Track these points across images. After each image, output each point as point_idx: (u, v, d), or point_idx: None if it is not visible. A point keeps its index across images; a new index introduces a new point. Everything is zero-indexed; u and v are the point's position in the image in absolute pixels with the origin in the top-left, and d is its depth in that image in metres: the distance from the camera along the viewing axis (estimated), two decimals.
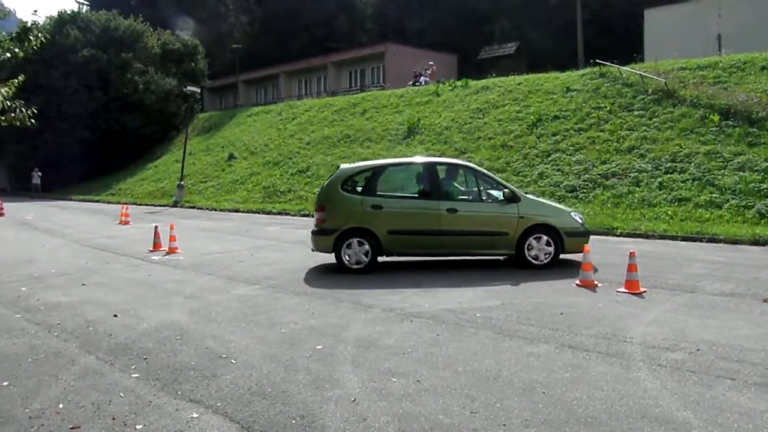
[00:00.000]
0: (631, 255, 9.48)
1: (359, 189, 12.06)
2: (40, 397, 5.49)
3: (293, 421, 4.93)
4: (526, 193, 12.88)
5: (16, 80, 10.94)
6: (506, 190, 11.75)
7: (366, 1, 70.04)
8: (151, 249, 14.71)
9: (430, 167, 12.25)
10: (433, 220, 11.61)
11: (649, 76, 24.01)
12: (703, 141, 19.50)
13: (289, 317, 8.23)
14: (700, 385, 5.51)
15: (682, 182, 18.24)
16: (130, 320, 8.16)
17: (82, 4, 68.65)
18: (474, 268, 11.65)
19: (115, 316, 8.38)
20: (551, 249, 11.55)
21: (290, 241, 16.21)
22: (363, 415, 5.03)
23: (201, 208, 29.24)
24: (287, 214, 24.87)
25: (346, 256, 11.62)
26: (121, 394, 5.51)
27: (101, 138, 44.56)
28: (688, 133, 20.16)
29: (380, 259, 11.89)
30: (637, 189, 18.81)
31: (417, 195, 12.09)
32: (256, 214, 25.64)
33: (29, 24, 10.80)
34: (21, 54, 10.81)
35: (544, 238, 11.52)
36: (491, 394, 5.40)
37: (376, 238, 11.60)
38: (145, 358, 6.52)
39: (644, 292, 9.23)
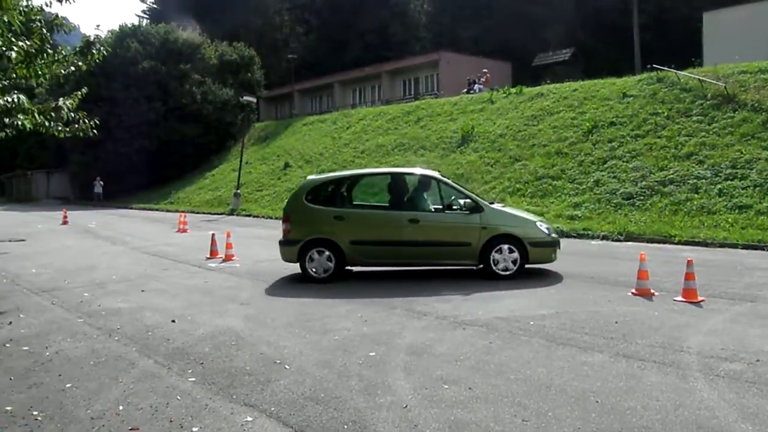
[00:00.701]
0: (689, 263, 9.30)
1: (323, 200, 12.20)
2: (101, 399, 5.66)
3: (345, 427, 4.99)
4: (492, 203, 12.53)
5: (80, 92, 11.27)
6: (467, 201, 11.66)
7: (420, 10, 70.13)
8: (208, 256, 14.99)
9: (396, 178, 12.39)
10: (395, 230, 11.68)
11: (708, 80, 23.49)
12: (765, 146, 18.99)
13: (343, 324, 8.31)
14: (759, 397, 5.39)
15: (742, 189, 17.79)
16: (188, 326, 8.34)
17: (143, 17, 70.44)
18: (525, 278, 11.56)
19: (173, 321, 8.58)
20: (516, 257, 11.40)
21: None
22: (414, 421, 5.06)
23: (257, 216, 29.62)
24: None
25: (312, 268, 11.73)
26: (178, 398, 5.65)
27: (160, 148, 45.57)
28: (749, 139, 19.65)
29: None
30: (696, 196, 18.41)
31: (380, 206, 12.35)
32: None
33: (92, 38, 11.15)
34: (84, 67, 11.13)
35: (507, 247, 11.40)
36: (543, 403, 5.38)
37: (339, 249, 11.68)
38: (202, 363, 6.66)
39: (702, 301, 9.03)
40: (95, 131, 11.33)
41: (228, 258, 14.50)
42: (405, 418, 5.12)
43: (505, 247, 11.39)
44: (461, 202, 11.78)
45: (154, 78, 45.49)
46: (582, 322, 8.09)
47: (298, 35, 68.31)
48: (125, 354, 7.09)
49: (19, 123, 9.50)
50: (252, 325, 8.37)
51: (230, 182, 39.01)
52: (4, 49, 8.70)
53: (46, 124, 10.31)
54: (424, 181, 12.33)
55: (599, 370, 6.16)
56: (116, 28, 50.02)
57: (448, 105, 34.41)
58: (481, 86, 39.82)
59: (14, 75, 10.03)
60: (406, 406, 5.36)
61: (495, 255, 11.42)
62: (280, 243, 12.19)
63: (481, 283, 11.05)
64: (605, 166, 22.09)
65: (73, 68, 10.89)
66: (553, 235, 11.97)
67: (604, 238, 16.90)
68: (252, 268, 13.44)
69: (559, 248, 11.91)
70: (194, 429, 4.98)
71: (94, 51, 10.86)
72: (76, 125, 11.20)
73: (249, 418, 5.18)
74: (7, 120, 9.46)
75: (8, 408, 5.47)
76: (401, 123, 35.12)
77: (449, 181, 12.34)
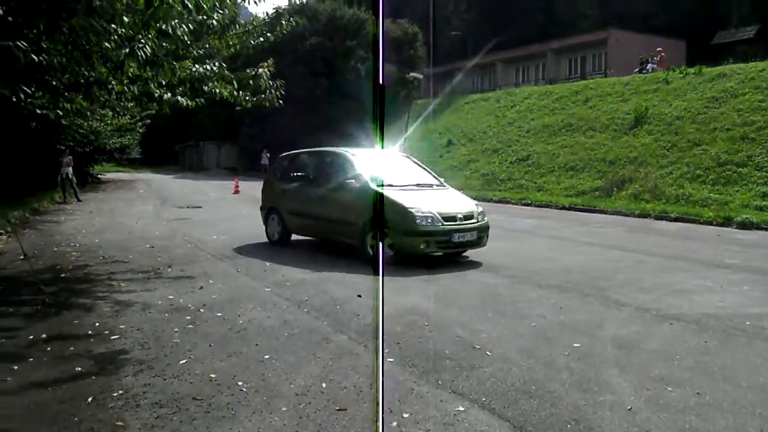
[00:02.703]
0: None
1: (279, 174, 14.03)
2: (302, 373, 5.48)
3: (568, 426, 4.52)
4: (392, 186, 11.54)
5: (269, 63, 11.27)
6: (353, 180, 11.65)
7: None
8: None
9: (320, 155, 13.55)
10: (309, 205, 12.56)
11: None
12: None
13: (537, 310, 7.80)
14: None
15: None
16: (374, 301, 8.12)
17: None
18: (726, 270, 10.58)
19: (359, 296, 8.39)
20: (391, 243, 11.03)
21: (519, 230, 15.76)
22: (644, 426, 4.51)
23: None
24: (507, 202, 24.44)
25: (268, 230, 13.73)
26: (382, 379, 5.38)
27: (324, 123, 46.38)
28: None
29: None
30: None
31: (307, 182, 13.03)
32: (476, 201, 25.36)
33: (280, 9, 11.12)
34: (272, 38, 11.16)
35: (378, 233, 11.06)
36: None
37: (282, 217, 13.21)
38: (397, 343, 6.37)
39: None
40: (281, 101, 11.36)
41: None
42: (633, 423, 4.57)
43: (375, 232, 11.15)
44: (352, 181, 11.73)
45: (320, 54, 46.31)
46: None
47: (460, 12, 67.63)
48: (317, 327, 6.93)
49: (217, 91, 9.60)
50: (439, 305, 8.03)
51: None
52: (205, 17, 8.75)
53: (234, 93, 10.41)
54: (334, 159, 12.84)
55: None
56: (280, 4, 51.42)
57: (619, 85, 32.70)
58: (655, 65, 37.77)
59: (207, 45, 10.15)
60: (630, 408, 4.82)
61: (368, 238, 11.19)
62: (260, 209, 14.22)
63: (677, 271, 10.22)
64: None
65: (261, 39, 10.92)
66: (442, 225, 10.85)
67: None
68: None
69: (441, 241, 10.93)
70: (405, 415, 4.66)
71: (283, 21, 10.85)
72: (263, 95, 11.26)
73: (460, 408, 4.81)
74: (205, 88, 9.59)
75: (212, 375, 5.39)
76: (568, 103, 33.80)
77: (352, 159, 12.18)
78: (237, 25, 10.18)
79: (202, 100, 11.76)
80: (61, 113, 15.33)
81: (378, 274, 9.98)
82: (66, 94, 11.20)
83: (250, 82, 10.10)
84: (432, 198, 11.57)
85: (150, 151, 73.40)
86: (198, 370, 5.50)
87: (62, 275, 9.90)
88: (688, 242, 14.09)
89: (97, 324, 6.99)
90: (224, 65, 9.93)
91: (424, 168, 12.98)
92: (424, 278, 9.74)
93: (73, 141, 27.10)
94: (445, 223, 10.95)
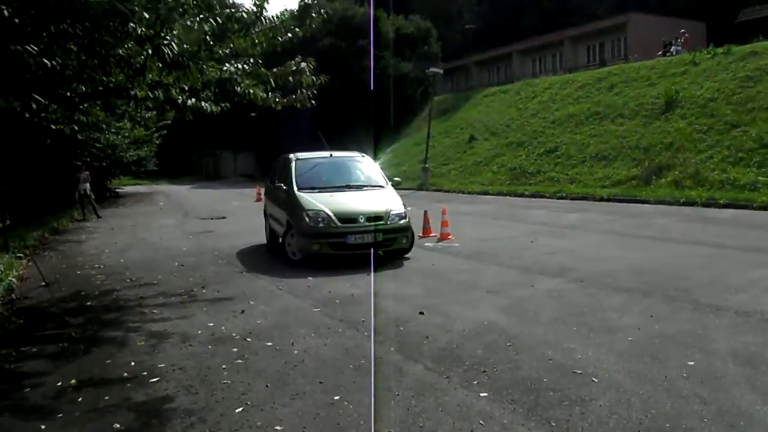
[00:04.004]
0: None
1: (269, 180, 14.55)
2: (383, 419, 4.55)
3: None
4: (314, 188, 11.97)
5: (310, 59, 10.25)
6: (282, 185, 12.48)
7: None
8: (421, 235, 13.93)
9: (280, 160, 14.06)
10: (270, 208, 13.75)
11: None
12: None
13: (625, 320, 6.86)
14: None
15: None
16: (440, 319, 7.20)
17: None
18: None
19: (421, 313, 7.45)
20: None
21: (566, 227, 14.78)
22: None
23: (447, 191, 28.57)
24: (542, 196, 23.44)
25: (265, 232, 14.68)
26: (482, 422, 4.44)
27: (341, 123, 45.49)
28: None
29: None
30: None
31: (272, 186, 13.78)
32: (508, 197, 24.49)
33: (309, 1, 10.22)
34: (301, 34, 10.24)
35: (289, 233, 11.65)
36: None
37: (266, 221, 14.41)
38: (484, 371, 5.45)
39: None
40: (313, 102, 10.48)
41: (444, 237, 13.38)
42: None
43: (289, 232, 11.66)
44: (282, 184, 12.54)
45: (334, 54, 45.42)
46: None
47: (471, 5, 66.55)
48: (386, 356, 6.00)
49: (250, 92, 8.73)
50: (514, 319, 7.09)
51: (413, 156, 38.29)
52: (233, 10, 7.86)
53: (261, 95, 9.51)
54: (283, 163, 13.40)
55: None
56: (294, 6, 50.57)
57: (644, 69, 31.54)
58: (680, 48, 36.60)
59: (231, 45, 9.27)
60: None
61: (288, 240, 11.70)
62: None
63: (760, 266, 9.26)
64: None
65: (290, 35, 10.00)
66: (335, 226, 10.90)
67: None
68: (475, 248, 12.23)
69: (334, 243, 10.87)
70: None
71: (313, 14, 9.93)
72: (293, 95, 10.38)
73: None
74: (238, 89, 8.71)
75: (278, 428, 4.49)
76: (592, 90, 32.72)
77: (291, 163, 12.72)
78: (263, 21, 9.29)
79: (228, 104, 10.92)
80: (77, 128, 14.60)
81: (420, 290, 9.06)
82: (82, 106, 10.39)
83: (290, 79, 9.17)
84: (346, 199, 11.64)
85: (166, 162, 72.78)
86: (259, 421, 4.60)
87: (88, 303, 9.05)
88: (754, 231, 13.07)
89: (133, 363, 6.11)
90: (260, 62, 9.06)
91: (376, 170, 13.26)
92: (487, 287, 8.79)
93: (89, 156, 26.39)
94: (341, 224, 10.93)
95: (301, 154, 13.31)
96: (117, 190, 43.87)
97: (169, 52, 6.41)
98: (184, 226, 19.58)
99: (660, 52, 37.05)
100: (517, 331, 6.58)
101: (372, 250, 10.81)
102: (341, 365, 5.77)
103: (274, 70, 9.14)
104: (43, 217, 21.36)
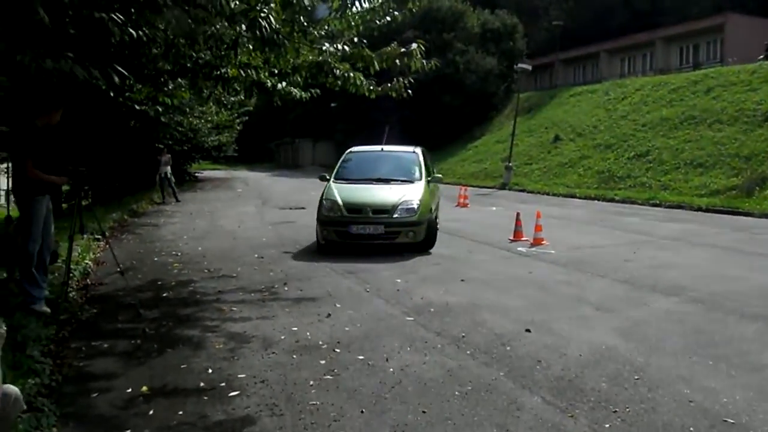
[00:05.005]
0: None
1: None
2: None
3: None
4: (347, 180, 12.87)
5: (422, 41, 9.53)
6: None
7: None
8: (512, 238, 13.06)
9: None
10: None
11: None
12: None
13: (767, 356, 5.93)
14: None
15: None
16: (550, 338, 6.37)
17: None
18: None
19: (528, 330, 6.63)
20: None
21: (667, 237, 13.65)
22: None
23: (531, 192, 27.47)
24: (633, 202, 22.14)
25: None
26: None
27: (422, 117, 44.78)
28: None
29: None
30: None
31: None
32: (596, 201, 23.26)
33: None
34: (399, 18, 9.53)
35: None
36: None
37: None
38: (614, 410, 4.62)
39: None
40: (410, 91, 9.75)
41: (537, 242, 12.47)
42: None
43: None
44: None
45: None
46: None
47: (558, 2, 64.74)
48: (494, 382, 5.21)
49: (350, 75, 8.07)
50: (635, 345, 6.18)
51: (494, 154, 37.26)
52: None
53: (361, 80, 8.84)
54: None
55: None
56: None
57: (745, 73, 29.72)
58: None
59: (326, 26, 8.61)
60: None
61: (318, 228, 12.08)
62: None
63: None
64: None
65: (388, 18, 9.30)
66: (341, 215, 11.48)
67: None
68: (572, 256, 11.29)
69: (339, 231, 11.47)
70: None
71: None
72: (390, 84, 9.67)
73: None
74: (337, 72, 8.05)
75: None
76: (687, 93, 31.03)
77: (343, 155, 14.14)
78: (360, 3, 8.59)
79: (318, 90, 10.30)
80: (160, 109, 14.26)
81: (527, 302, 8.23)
82: (167, 87, 9.91)
83: (397, 62, 8.42)
84: (364, 191, 12.13)
85: (244, 148, 73.38)
86: None
87: (164, 294, 8.55)
88: None
89: (210, 370, 5.50)
90: (365, 42, 8.38)
91: (416, 165, 13.14)
92: (595, 303, 7.90)
93: (171, 139, 26.32)
94: (348, 214, 11.44)
95: (356, 148, 14.50)
96: (196, 174, 44.15)
97: (267, 25, 5.75)
98: (263, 215, 19.18)
99: (762, 56, 35.03)
100: (643, 362, 5.70)
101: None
102: (445, 391, 5.02)
103: (379, 51, 8.37)
104: (123, 198, 21.29)
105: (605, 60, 54.79)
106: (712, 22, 46.42)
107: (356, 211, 11.43)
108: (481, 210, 19.71)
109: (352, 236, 11.33)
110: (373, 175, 12.75)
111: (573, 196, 24.87)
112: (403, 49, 8.24)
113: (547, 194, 26.24)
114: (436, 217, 13.26)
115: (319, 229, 11.79)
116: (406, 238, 11.45)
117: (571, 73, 59.99)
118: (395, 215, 11.38)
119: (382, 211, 11.42)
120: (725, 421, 4.48)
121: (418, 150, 13.87)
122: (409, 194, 11.81)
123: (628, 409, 4.66)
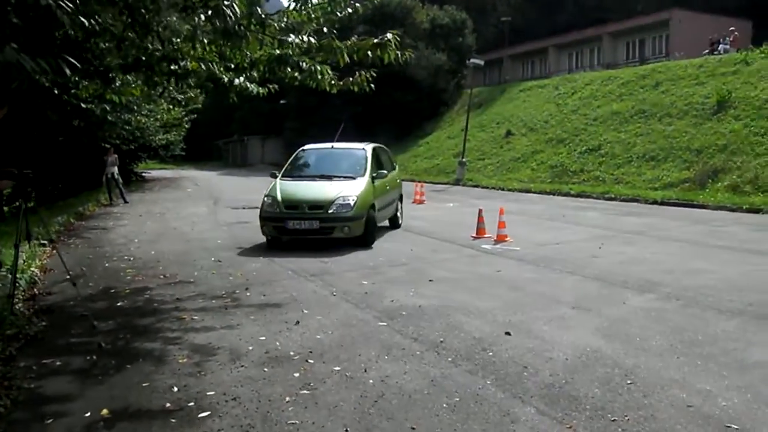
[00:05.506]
0: None
1: None
2: None
3: None
4: (292, 177, 13.44)
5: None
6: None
7: None
8: (475, 235, 12.82)
9: None
10: None
11: None
12: None
13: (755, 354, 5.71)
14: None
15: None
16: (531, 342, 6.10)
17: None
18: None
19: (508, 334, 6.35)
20: None
21: (630, 232, 13.57)
22: None
23: (485, 187, 27.36)
24: (588, 196, 22.17)
25: None
26: None
27: (371, 114, 44.41)
28: None
29: None
30: None
31: None
32: (552, 196, 23.24)
33: None
34: (361, 10, 9.22)
35: None
36: None
37: None
38: (613, 419, 4.36)
39: None
40: (371, 86, 9.42)
41: (501, 239, 12.25)
42: None
43: None
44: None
45: None
46: None
47: None
48: (482, 392, 4.91)
49: (317, 69, 7.71)
50: (620, 346, 5.96)
51: (446, 150, 37.15)
52: None
53: (322, 75, 8.48)
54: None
55: None
56: None
57: (692, 67, 30.09)
58: (728, 46, 35.17)
59: (285, 18, 8.21)
60: None
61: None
62: None
63: None
64: None
65: (350, 11, 8.94)
66: (279, 211, 11.90)
67: None
68: (537, 253, 11.10)
69: (277, 227, 11.94)
70: None
71: None
72: (351, 78, 9.32)
73: None
74: (303, 65, 7.67)
75: None
76: (636, 88, 31.30)
77: (295, 153, 14.75)
78: None
79: (276, 86, 9.90)
80: (108, 108, 13.63)
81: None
82: (114, 84, 9.35)
83: (368, 54, 8.05)
84: (304, 187, 12.49)
85: (192, 147, 72.02)
86: None
87: (118, 303, 8.06)
88: None
89: (176, 388, 5.08)
90: (335, 33, 8.01)
91: (362, 161, 13.25)
92: (571, 302, 7.67)
93: (118, 138, 25.48)
94: (285, 210, 11.83)
95: (309, 146, 14.94)
96: (143, 174, 43.09)
97: (231, 14, 5.34)
98: (216, 216, 18.63)
99: (707, 51, 35.60)
100: (632, 364, 5.47)
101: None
102: (432, 404, 4.70)
103: (348, 43, 8.00)
104: (68, 199, 20.50)
105: (553, 55, 55.26)
106: (658, 17, 47.14)
107: (293, 207, 11.81)
108: (438, 207, 19.45)
109: (289, 231, 11.78)
110: (318, 172, 13.19)
111: (528, 191, 24.81)
112: (376, 40, 7.82)
113: (502, 189, 26.14)
114: (397, 214, 14.00)
115: (260, 224, 12.19)
116: (341, 233, 11.70)
117: (520, 68, 60.39)
118: (330, 211, 11.66)
119: (318, 206, 11.73)
120: (729, 426, 4.26)
121: (369, 147, 14.07)
122: (346, 190, 12.04)
123: (626, 417, 4.41)
